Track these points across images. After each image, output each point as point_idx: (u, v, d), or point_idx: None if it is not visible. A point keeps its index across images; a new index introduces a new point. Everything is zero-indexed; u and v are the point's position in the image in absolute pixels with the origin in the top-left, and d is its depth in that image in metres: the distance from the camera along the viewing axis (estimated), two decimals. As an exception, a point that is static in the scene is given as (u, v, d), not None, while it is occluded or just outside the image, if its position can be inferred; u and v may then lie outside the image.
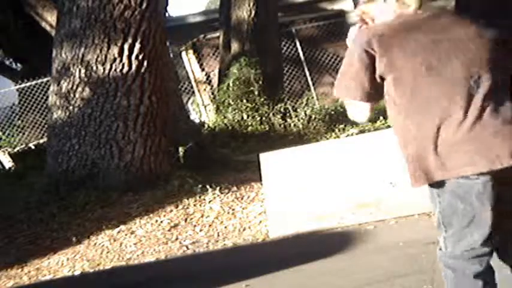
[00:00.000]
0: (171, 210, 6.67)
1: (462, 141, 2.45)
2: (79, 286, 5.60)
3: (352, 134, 9.05)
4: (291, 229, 5.68)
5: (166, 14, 11.82)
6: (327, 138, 9.53)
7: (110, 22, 7.30)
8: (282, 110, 10.97)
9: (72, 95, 7.49)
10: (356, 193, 5.75)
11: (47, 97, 9.38)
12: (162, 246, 5.96)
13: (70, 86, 7.49)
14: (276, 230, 5.75)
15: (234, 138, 10.36)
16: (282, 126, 10.82)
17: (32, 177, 8.33)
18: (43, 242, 6.50)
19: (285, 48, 14.07)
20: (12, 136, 13.97)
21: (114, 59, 7.34)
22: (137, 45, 7.36)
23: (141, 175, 7.40)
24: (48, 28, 9.91)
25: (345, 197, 5.77)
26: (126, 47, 7.33)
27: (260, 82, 11.14)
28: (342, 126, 10.05)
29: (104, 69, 7.35)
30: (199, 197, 6.80)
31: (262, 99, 10.98)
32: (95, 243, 6.24)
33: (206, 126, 11.59)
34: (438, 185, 2.52)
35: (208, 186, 6.84)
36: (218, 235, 6.02)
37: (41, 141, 12.61)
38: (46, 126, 10.92)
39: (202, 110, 14.59)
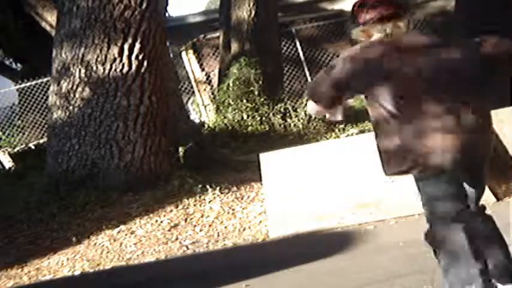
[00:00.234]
0: (171, 210, 6.67)
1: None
2: (79, 286, 5.60)
3: (352, 134, 9.05)
4: (291, 229, 5.68)
5: (166, 14, 11.81)
6: (327, 138, 9.53)
7: (110, 22, 7.30)
8: (282, 110, 10.96)
9: (72, 95, 7.49)
10: (356, 193, 5.75)
11: (47, 97, 9.38)
12: (162, 246, 5.96)
13: (70, 86, 7.49)
14: (276, 230, 5.75)
15: (234, 138, 10.36)
16: (282, 126, 10.81)
17: (32, 177, 8.33)
18: (43, 242, 6.50)
19: (285, 48, 14.07)
20: (12, 136, 13.97)
21: (114, 59, 7.34)
22: (137, 45, 7.36)
23: (141, 175, 7.40)
24: (48, 28, 9.91)
25: (345, 197, 5.77)
26: (126, 47, 7.33)
27: (260, 82, 11.13)
28: (342, 126, 10.05)
29: (104, 69, 7.35)
30: (199, 197, 6.80)
31: (262, 99, 10.98)
32: (95, 243, 6.24)
33: (206, 126, 11.59)
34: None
35: (208, 186, 6.84)
36: (218, 235, 6.02)
37: (41, 141, 12.61)
38: (46, 126, 10.92)
39: (202, 110, 14.58)
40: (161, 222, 6.48)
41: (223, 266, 5.19)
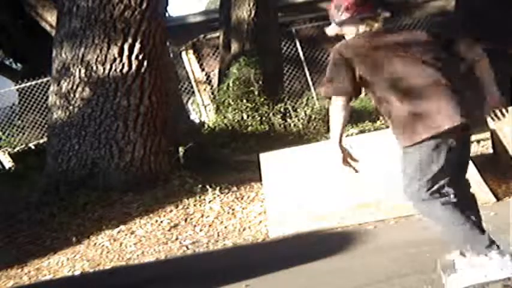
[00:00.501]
0: (171, 210, 6.67)
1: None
2: (79, 286, 5.59)
3: (352, 134, 9.04)
4: (291, 229, 5.69)
5: (166, 14, 11.81)
6: (327, 138, 9.49)
7: (110, 22, 7.30)
8: (282, 110, 10.96)
9: (72, 95, 7.49)
10: (356, 193, 5.75)
11: (47, 97, 9.38)
12: (162, 246, 5.96)
13: (70, 86, 7.49)
14: (276, 230, 5.75)
15: (234, 138, 10.36)
16: (282, 126, 10.82)
17: (32, 177, 8.33)
18: (43, 242, 6.50)
19: (285, 48, 14.06)
20: (12, 136, 13.98)
21: (114, 59, 7.34)
22: (137, 45, 7.36)
23: (141, 175, 7.40)
24: (48, 28, 9.91)
25: (345, 197, 5.77)
26: (126, 47, 7.33)
27: (260, 82, 11.14)
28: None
29: (104, 69, 7.35)
30: (199, 197, 6.80)
31: (262, 99, 10.98)
32: (95, 243, 6.24)
33: (206, 126, 11.58)
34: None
35: (208, 186, 6.84)
36: (218, 235, 6.02)
37: (41, 141, 12.62)
38: (46, 126, 10.92)
39: (202, 110, 14.59)
40: (161, 222, 6.48)
41: (223, 266, 5.19)
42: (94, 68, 7.37)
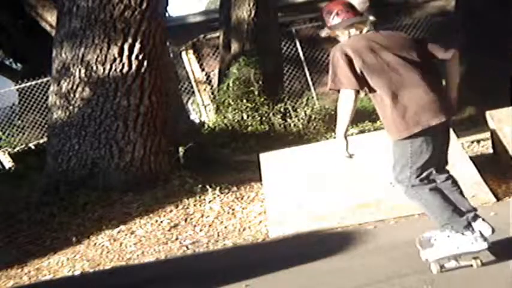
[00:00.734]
0: (171, 210, 6.67)
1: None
2: (79, 286, 5.59)
3: (352, 134, 9.04)
4: (291, 229, 5.69)
5: (166, 14, 11.81)
6: (327, 138, 9.52)
7: (110, 22, 7.30)
8: (282, 110, 10.96)
9: (72, 95, 7.49)
10: (356, 193, 5.75)
11: (47, 97, 9.38)
12: (162, 246, 5.96)
13: (70, 86, 7.49)
14: (276, 230, 5.75)
15: (234, 138, 10.36)
16: (282, 126, 10.81)
17: (32, 177, 8.33)
18: (43, 242, 6.50)
19: (285, 48, 14.06)
20: (12, 136, 13.99)
21: (114, 59, 7.34)
22: (137, 45, 7.35)
23: (141, 175, 7.40)
24: (48, 28, 9.90)
25: (345, 197, 5.78)
26: (126, 47, 7.33)
27: (260, 82, 11.14)
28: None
29: (104, 69, 7.35)
30: (199, 197, 6.80)
31: (262, 99, 10.98)
32: (95, 243, 6.24)
33: (206, 126, 11.59)
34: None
35: (208, 186, 6.84)
36: (218, 235, 6.02)
37: (41, 141, 12.62)
38: (46, 126, 10.92)
39: (202, 110, 14.60)
40: (161, 222, 6.48)
41: (223, 266, 5.18)
42: (94, 68, 7.37)
